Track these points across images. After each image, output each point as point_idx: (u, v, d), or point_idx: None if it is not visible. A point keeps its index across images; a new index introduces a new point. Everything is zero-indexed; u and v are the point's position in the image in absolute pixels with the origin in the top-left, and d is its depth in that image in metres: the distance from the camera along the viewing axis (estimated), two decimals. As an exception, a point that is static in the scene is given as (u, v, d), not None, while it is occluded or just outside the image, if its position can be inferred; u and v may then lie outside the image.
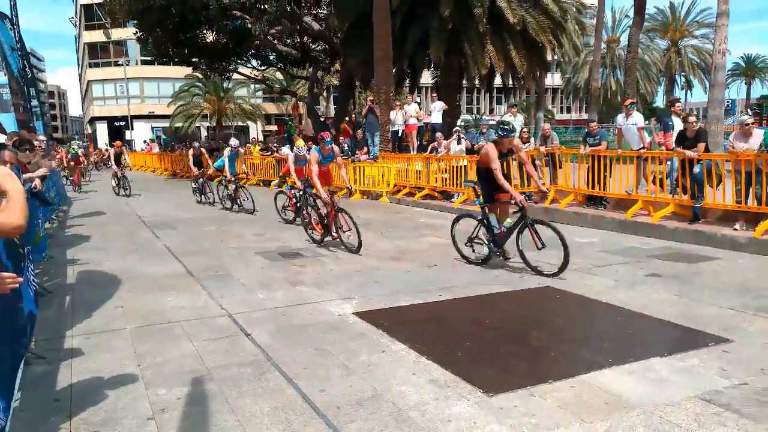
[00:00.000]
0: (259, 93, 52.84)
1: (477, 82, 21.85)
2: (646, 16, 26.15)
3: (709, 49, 39.67)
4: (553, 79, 53.85)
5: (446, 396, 3.37)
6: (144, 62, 48.60)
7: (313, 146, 9.48)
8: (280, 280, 6.32)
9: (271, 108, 54.38)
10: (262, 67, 30.10)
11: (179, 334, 4.55)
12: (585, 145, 10.42)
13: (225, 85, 45.75)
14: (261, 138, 38.70)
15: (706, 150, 8.51)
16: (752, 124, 8.10)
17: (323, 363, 3.91)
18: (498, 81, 23.60)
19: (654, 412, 3.10)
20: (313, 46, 26.85)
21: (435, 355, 3.97)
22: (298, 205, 9.80)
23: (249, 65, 29.30)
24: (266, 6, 21.02)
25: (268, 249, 8.07)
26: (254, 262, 7.31)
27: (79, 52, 64.43)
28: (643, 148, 9.91)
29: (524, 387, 3.43)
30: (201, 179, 14.29)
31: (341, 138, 17.55)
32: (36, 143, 7.60)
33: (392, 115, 15.83)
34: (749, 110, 32.69)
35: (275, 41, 24.99)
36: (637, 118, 10.27)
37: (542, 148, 11.26)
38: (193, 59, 25.93)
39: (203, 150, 15.43)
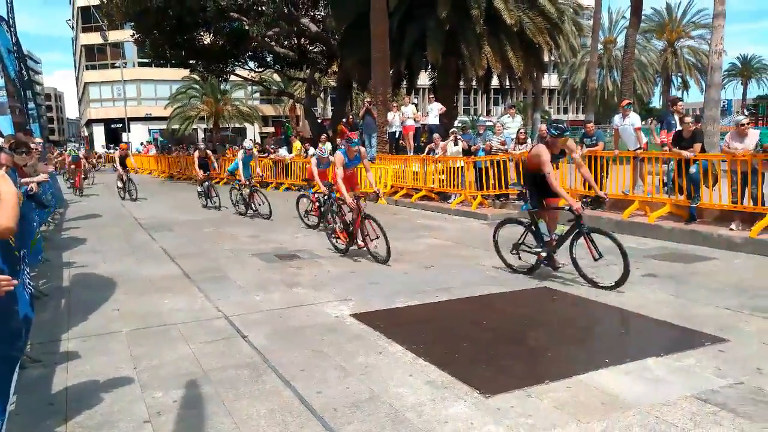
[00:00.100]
0: (257, 95, 52.80)
1: (474, 83, 21.85)
2: (643, 17, 26.20)
3: (705, 49, 39.74)
4: (550, 80, 54.05)
5: (443, 397, 3.37)
6: (141, 64, 48.61)
7: (338, 147, 8.79)
8: (277, 281, 6.30)
9: (268, 110, 54.37)
10: (260, 69, 30.10)
11: (176, 337, 4.54)
12: (582, 146, 10.43)
13: (222, 87, 45.70)
14: (258, 140, 38.70)
15: (702, 150, 8.53)
16: (748, 124, 8.14)
17: (320, 365, 3.90)
18: (495, 82, 23.69)
19: (650, 412, 3.10)
20: (311, 48, 26.88)
21: (432, 357, 3.97)
22: (322, 210, 9.29)
23: (246, 67, 29.31)
24: (263, 8, 21.03)
25: (264, 251, 8.06)
26: (251, 264, 7.29)
27: (75, 54, 64.38)
28: (640, 148, 9.94)
29: (521, 387, 3.44)
30: (206, 182, 13.66)
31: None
32: (32, 146, 7.57)
33: (389, 116, 15.84)
34: (745, 110, 32.82)
35: (272, 43, 24.98)
36: (634, 118, 10.30)
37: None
38: (191, 61, 25.92)
39: (209, 152, 14.57)
